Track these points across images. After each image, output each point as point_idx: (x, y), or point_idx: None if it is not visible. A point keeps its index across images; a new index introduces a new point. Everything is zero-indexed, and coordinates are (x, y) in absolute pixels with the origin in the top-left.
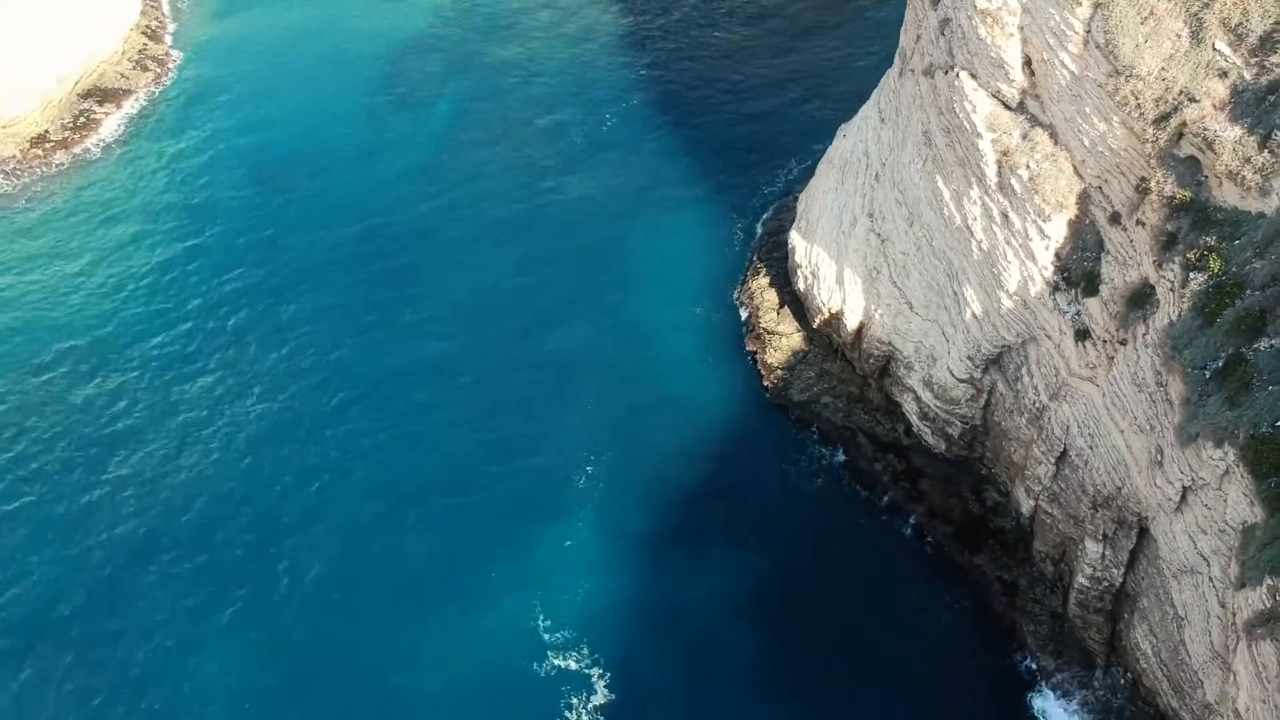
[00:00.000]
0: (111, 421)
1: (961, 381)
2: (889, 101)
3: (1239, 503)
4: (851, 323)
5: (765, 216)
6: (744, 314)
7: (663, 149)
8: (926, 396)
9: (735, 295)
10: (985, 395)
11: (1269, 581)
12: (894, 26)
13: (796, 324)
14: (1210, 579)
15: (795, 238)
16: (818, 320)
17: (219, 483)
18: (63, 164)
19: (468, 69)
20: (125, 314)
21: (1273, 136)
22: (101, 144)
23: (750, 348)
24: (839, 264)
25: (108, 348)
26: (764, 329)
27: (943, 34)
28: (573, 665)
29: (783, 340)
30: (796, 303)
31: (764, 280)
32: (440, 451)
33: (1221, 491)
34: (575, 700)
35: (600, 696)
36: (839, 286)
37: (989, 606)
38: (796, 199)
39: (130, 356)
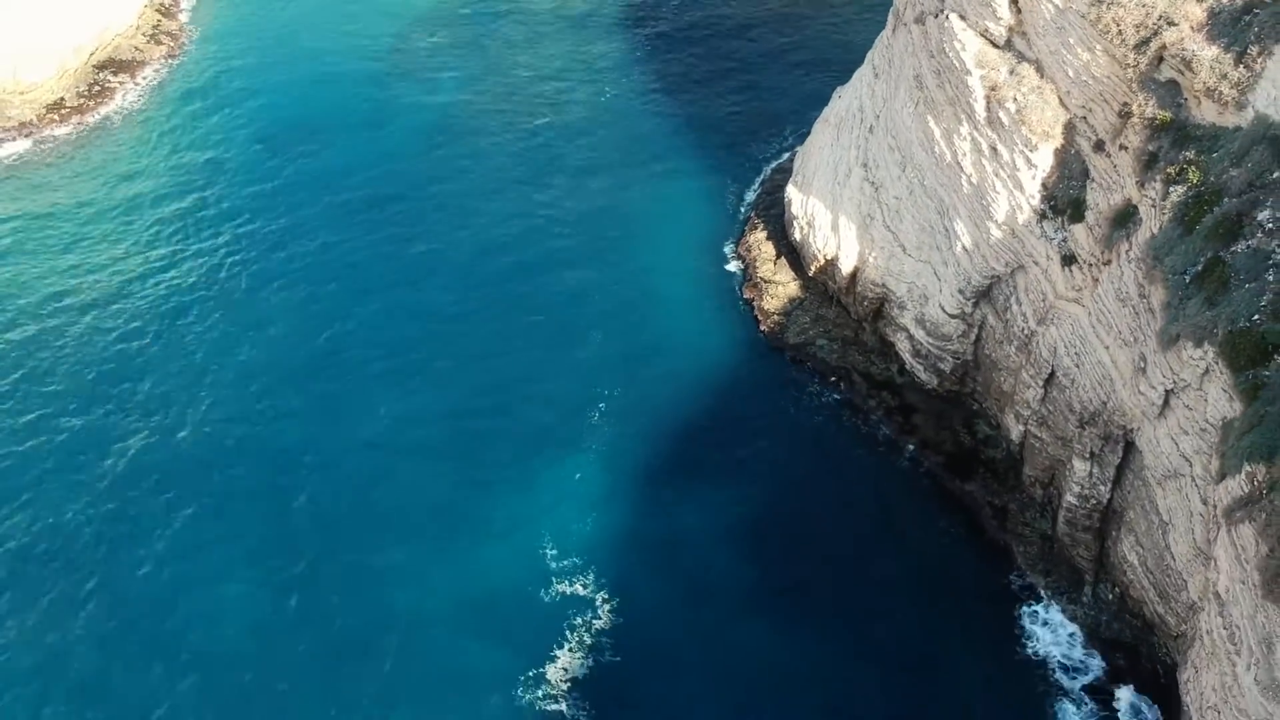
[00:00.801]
0: (125, 351)
1: (953, 317)
2: (882, 57)
3: (1219, 399)
4: (846, 267)
5: (763, 179)
6: (742, 266)
7: (663, 118)
8: (919, 334)
9: (733, 249)
10: (976, 330)
11: (1247, 468)
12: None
13: (792, 273)
14: (1193, 479)
15: (792, 191)
16: (813, 268)
17: (229, 409)
18: (78, 127)
19: (473, 43)
20: (136, 256)
21: (1248, 52)
22: (115, 111)
23: (748, 295)
24: (834, 213)
25: (121, 286)
26: (761, 278)
27: None
28: (579, 590)
29: (779, 288)
30: (792, 253)
31: (761, 235)
32: (451, 389)
33: (1202, 391)
34: (580, 621)
35: (605, 620)
36: (834, 234)
37: (981, 530)
38: (793, 160)
39: (141, 294)
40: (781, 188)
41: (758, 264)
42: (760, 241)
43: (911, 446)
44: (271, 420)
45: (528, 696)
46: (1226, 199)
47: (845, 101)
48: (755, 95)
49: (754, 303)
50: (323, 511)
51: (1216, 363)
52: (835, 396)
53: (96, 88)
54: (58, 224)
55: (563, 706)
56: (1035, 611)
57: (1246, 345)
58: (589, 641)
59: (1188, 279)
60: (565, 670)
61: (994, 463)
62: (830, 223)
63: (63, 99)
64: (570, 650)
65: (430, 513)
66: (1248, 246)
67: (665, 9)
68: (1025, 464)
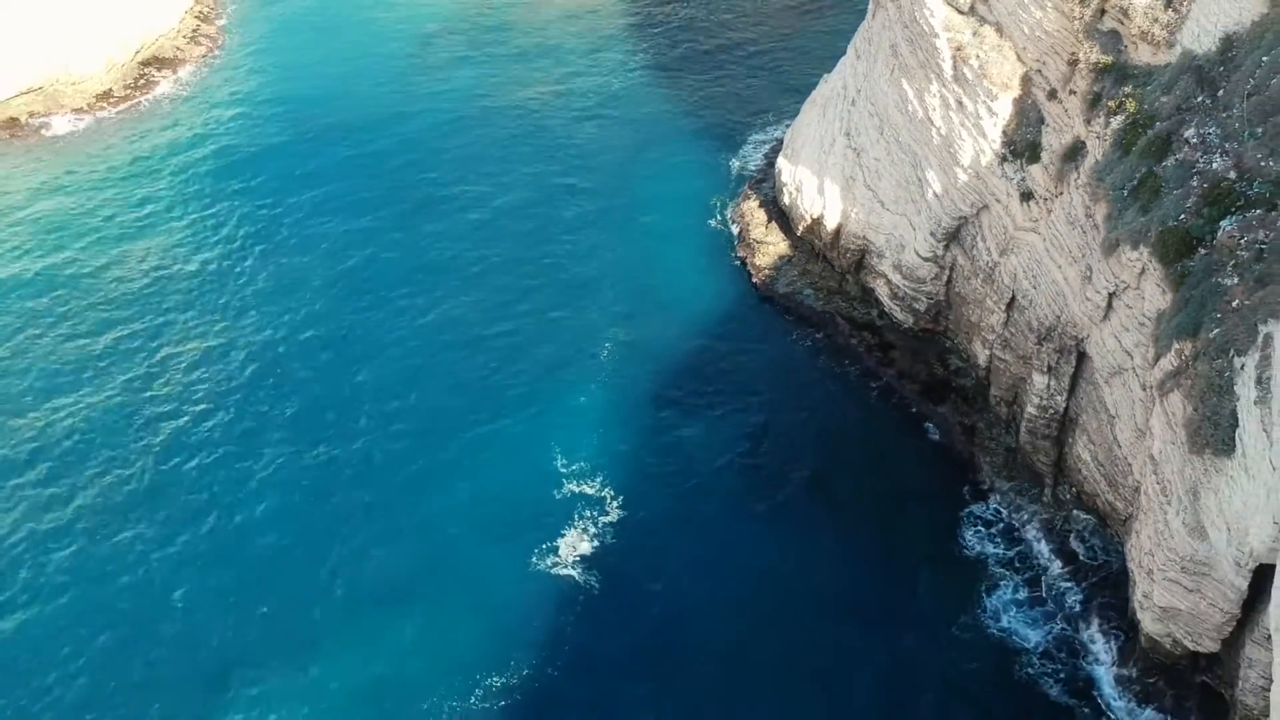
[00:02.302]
0: (170, 303)
1: (926, 260)
2: (863, 40)
3: (1153, 294)
4: (831, 224)
5: (757, 157)
6: (736, 229)
7: (665, 105)
8: (896, 278)
9: (729, 215)
10: (947, 271)
11: (1175, 345)
12: None
13: (782, 234)
14: (1134, 370)
15: (782, 163)
16: (800, 227)
17: (275, 349)
18: (124, 114)
19: (488, 45)
20: (178, 224)
21: None
22: (157, 101)
23: (741, 254)
24: (820, 178)
25: (165, 249)
26: (753, 240)
27: None
28: (588, 490)
29: (769, 248)
30: (782, 217)
31: (754, 203)
32: (472, 329)
33: (1139, 289)
34: (590, 514)
35: (611, 514)
36: (820, 195)
37: (951, 445)
38: (783, 139)
39: (186, 256)
40: (772, 164)
41: (750, 227)
42: (753, 209)
43: (889, 377)
44: (308, 356)
45: (541, 565)
46: (1158, 122)
47: (830, 84)
48: (750, 83)
49: (747, 260)
50: (360, 424)
51: (1150, 260)
52: (820, 337)
53: (141, 80)
54: (102, 194)
55: (572, 573)
56: (998, 508)
57: (1174, 241)
58: (594, 529)
59: (1125, 192)
60: (574, 548)
61: (964, 389)
62: (816, 186)
63: (110, 90)
64: (579, 534)
65: (452, 428)
66: (1176, 160)
67: (668, 11)
68: (992, 386)
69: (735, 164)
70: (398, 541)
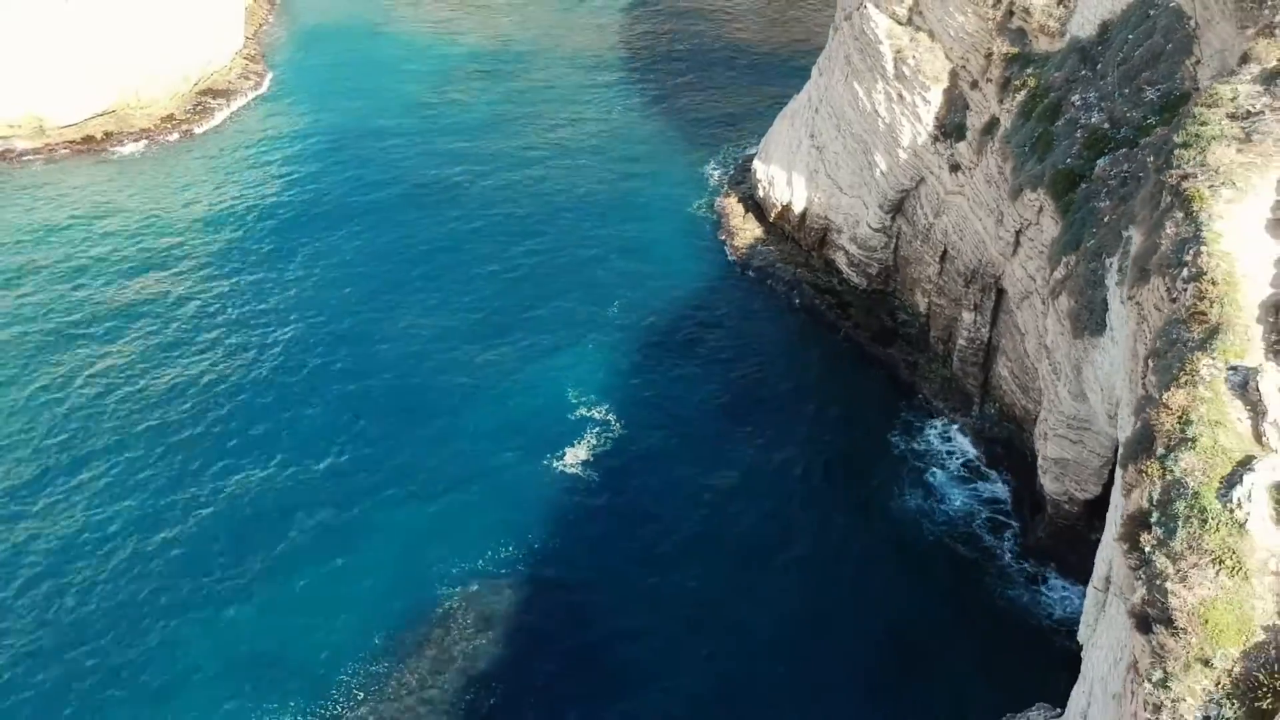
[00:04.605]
0: (226, 296)
1: (877, 231)
2: (825, 59)
3: (1049, 226)
4: (798, 209)
5: (737, 162)
6: (718, 219)
7: (658, 122)
8: (853, 249)
9: (713, 208)
10: (894, 240)
11: (1064, 259)
12: None
13: (757, 222)
14: (1037, 291)
15: (757, 164)
16: (773, 215)
17: (327, 329)
18: (185, 135)
19: (503, 80)
20: (234, 226)
21: None
22: (214, 125)
23: (722, 238)
24: (788, 172)
25: (223, 248)
26: (733, 227)
27: None
28: (593, 415)
29: (746, 233)
30: (757, 208)
31: (733, 199)
32: (499, 299)
33: (1039, 225)
34: (596, 430)
35: (614, 432)
36: (788, 187)
37: (897, 377)
38: (758, 147)
39: (243, 251)
40: (749, 168)
41: (730, 217)
42: (733, 203)
43: (847, 328)
44: (354, 322)
45: (552, 466)
46: (1052, 92)
47: (798, 100)
48: (733, 102)
49: (727, 242)
50: (387, 382)
51: (1045, 198)
52: (790, 298)
53: (199, 107)
54: (165, 204)
55: (578, 471)
56: (935, 423)
57: (1063, 179)
58: (597, 443)
59: (1026, 149)
60: (579, 455)
61: (909, 335)
62: (785, 180)
63: (173, 114)
64: (585, 446)
65: (485, 369)
66: (1065, 120)
67: (662, 48)
68: (931, 328)
69: (718, 171)
70: (440, 452)
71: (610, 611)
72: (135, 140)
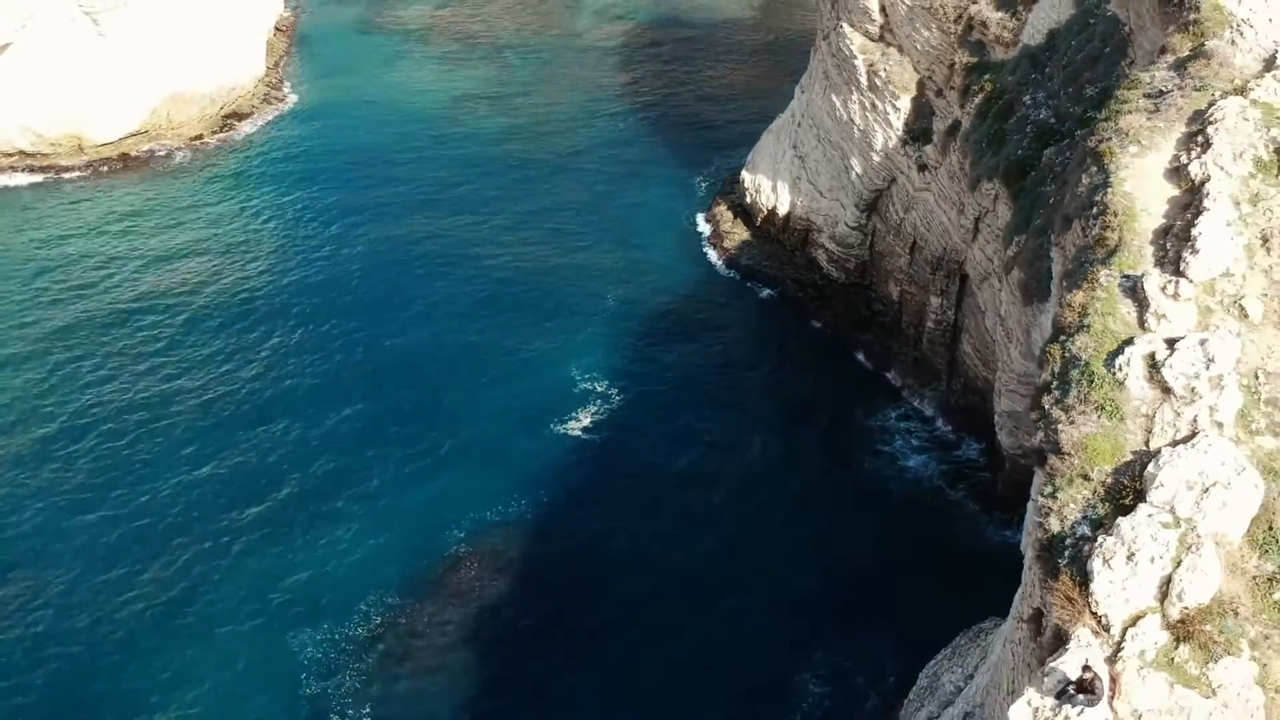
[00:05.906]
0: (254, 293)
1: (853, 229)
2: (806, 78)
3: (1004, 212)
4: (782, 212)
5: (728, 174)
6: (709, 224)
7: (652, 141)
8: (832, 246)
9: (703, 216)
10: (869, 237)
11: (1016, 239)
12: None
13: (745, 227)
14: (995, 272)
15: (745, 174)
16: (759, 219)
17: (349, 318)
18: (212, 153)
19: (506, 107)
20: (261, 230)
21: (1017, 10)
22: (237, 144)
23: (713, 241)
24: (774, 180)
25: (246, 247)
26: (723, 231)
27: (832, 8)
28: (596, 388)
29: (735, 237)
30: (745, 214)
31: (723, 207)
32: (506, 293)
33: (995, 212)
34: (598, 401)
35: (614, 403)
36: (773, 193)
37: (873, 359)
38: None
39: (263, 252)
40: (738, 179)
41: (720, 223)
42: (722, 211)
43: (826, 318)
44: (374, 312)
45: (557, 430)
46: (1006, 95)
47: (782, 117)
48: (723, 120)
49: (717, 245)
50: (404, 358)
51: (1000, 186)
52: (774, 292)
53: (225, 128)
54: (195, 213)
55: (580, 434)
56: (908, 399)
57: (1015, 169)
58: (597, 409)
59: (984, 144)
60: (583, 420)
61: (883, 323)
62: (771, 187)
63: (201, 135)
64: (588, 413)
65: (495, 350)
66: (1017, 118)
67: (659, 82)
68: (903, 315)
69: (707, 183)
70: (455, 418)
71: (608, 555)
72: (168, 155)
